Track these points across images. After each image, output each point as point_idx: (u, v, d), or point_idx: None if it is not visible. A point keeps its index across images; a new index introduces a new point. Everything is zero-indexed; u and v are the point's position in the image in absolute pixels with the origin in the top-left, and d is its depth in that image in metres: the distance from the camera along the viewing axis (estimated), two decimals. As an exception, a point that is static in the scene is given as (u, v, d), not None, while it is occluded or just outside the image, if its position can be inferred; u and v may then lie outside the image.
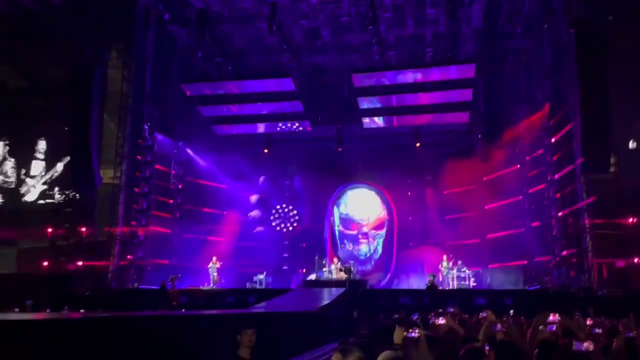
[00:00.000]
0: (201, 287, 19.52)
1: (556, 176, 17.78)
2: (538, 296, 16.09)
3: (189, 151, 22.72)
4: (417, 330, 4.25)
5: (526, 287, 18.15)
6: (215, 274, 20.38)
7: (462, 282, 19.34)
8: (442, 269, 19.82)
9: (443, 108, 20.72)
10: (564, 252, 17.12)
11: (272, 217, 25.01)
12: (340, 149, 22.87)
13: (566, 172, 17.07)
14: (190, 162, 22.94)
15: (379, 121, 22.26)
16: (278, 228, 24.90)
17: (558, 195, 17.63)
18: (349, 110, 21.62)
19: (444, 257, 20.06)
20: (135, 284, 18.90)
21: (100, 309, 13.96)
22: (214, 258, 20.65)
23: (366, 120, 21.77)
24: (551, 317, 4.92)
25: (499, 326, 4.98)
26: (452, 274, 19.48)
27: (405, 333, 4.38)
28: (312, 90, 22.08)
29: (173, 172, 22.21)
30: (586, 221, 15.88)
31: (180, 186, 22.36)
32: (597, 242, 15.66)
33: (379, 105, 21.05)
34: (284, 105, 21.41)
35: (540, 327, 4.85)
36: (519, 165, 20.37)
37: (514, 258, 19.67)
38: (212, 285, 20.10)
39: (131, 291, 18.17)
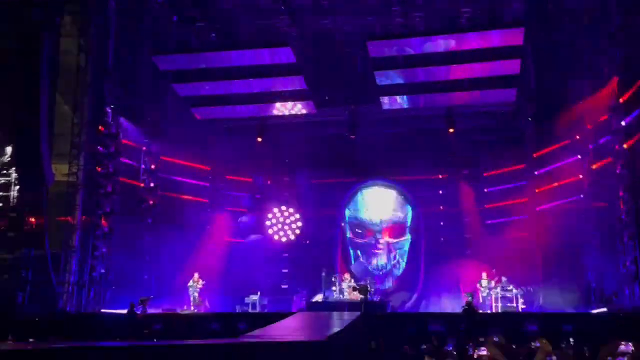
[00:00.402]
0: (179, 311, 19.48)
1: (627, 170, 17.54)
2: (605, 321, 15.91)
3: (163, 140, 22.68)
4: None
5: (589, 310, 17.98)
6: (197, 294, 20.35)
7: (508, 304, 19.28)
8: (482, 287, 19.75)
9: (483, 84, 20.51)
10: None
11: (268, 223, 24.96)
12: (353, 137, 22.77)
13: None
14: (165, 154, 22.91)
15: (401, 101, 22.10)
16: (276, 237, 24.87)
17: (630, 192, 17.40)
18: (364, 87, 21.47)
19: (484, 273, 19.96)
20: (96, 307, 18.87)
21: (52, 337, 13.91)
22: (196, 275, 20.61)
23: (385, 100, 21.62)
24: (622, 347, 4.81)
25: (554, 358, 4.88)
26: (495, 294, 19.39)
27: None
28: (317, 62, 21.93)
29: (143, 166, 22.18)
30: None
31: (152, 184, 22.32)
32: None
33: (401, 81, 20.88)
34: (281, 82, 21.29)
35: (609, 359, 4.74)
36: (579, 156, 20.17)
37: (573, 273, 19.50)
38: (192, 308, 20.07)
39: (91, 316, 18.14)
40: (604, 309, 17.27)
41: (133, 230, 21.34)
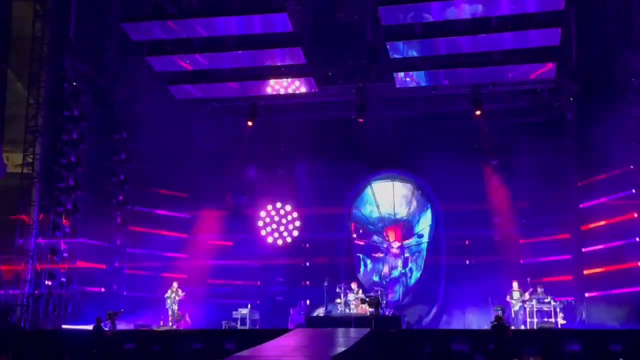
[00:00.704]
0: (155, 328, 19.47)
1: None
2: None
3: (136, 125, 22.63)
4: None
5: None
6: (176, 307, 20.33)
7: (545, 319, 19.25)
8: (513, 300, 19.72)
9: (516, 57, 20.42)
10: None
11: (260, 223, 24.93)
12: (361, 120, 22.70)
13: None
14: (138, 141, 22.86)
15: (418, 78, 22.02)
16: (270, 239, 24.83)
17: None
18: (374, 61, 21.43)
19: (515, 283, 19.91)
20: (56, 322, 18.82)
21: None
22: (174, 284, 20.58)
23: (400, 76, 21.54)
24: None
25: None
26: (530, 307, 19.37)
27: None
28: (318, 32, 21.85)
29: (112, 156, 22.15)
30: None
31: (122, 176, 22.29)
32: None
33: (418, 54, 20.80)
34: (276, 55, 21.22)
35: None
36: (633, 143, 20.08)
37: (621, 283, 19.46)
38: (171, 324, 20.05)
39: (50, 333, 18.02)
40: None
41: (100, 231, 21.31)
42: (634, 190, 19.59)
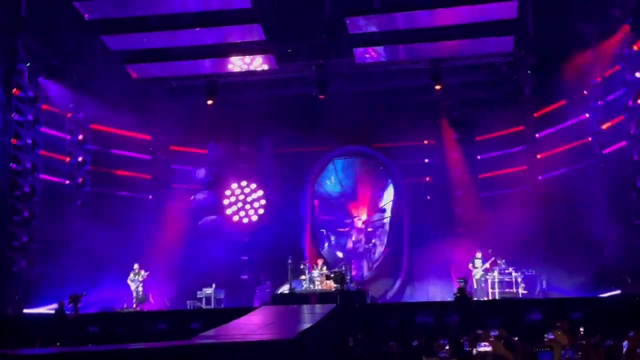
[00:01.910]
0: (119, 310, 19.34)
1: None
2: (618, 306, 16.23)
3: (93, 105, 22.28)
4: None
5: (601, 293, 18.33)
6: (141, 289, 20.22)
7: (507, 289, 19.53)
8: (475, 269, 19.92)
9: (475, 31, 20.46)
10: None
11: (226, 202, 24.80)
12: (322, 96, 22.63)
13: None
14: (96, 122, 22.50)
15: (378, 53, 21.99)
16: (236, 218, 24.74)
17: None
18: (334, 37, 21.27)
19: (478, 253, 20.15)
20: (17, 307, 18.53)
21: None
22: (136, 265, 20.44)
23: (359, 51, 21.48)
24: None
25: (570, 352, 4.87)
26: (492, 278, 19.64)
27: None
28: (277, 7, 21.62)
29: (69, 137, 21.80)
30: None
31: (80, 158, 21.98)
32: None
33: (377, 29, 20.75)
34: (235, 32, 20.98)
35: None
36: (587, 115, 20.39)
37: (581, 252, 19.83)
38: (135, 306, 19.93)
39: (11, 318, 17.84)
40: (618, 292, 17.58)
41: (59, 214, 21.01)
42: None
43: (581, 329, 11.36)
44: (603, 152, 19.82)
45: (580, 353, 4.91)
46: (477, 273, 20.06)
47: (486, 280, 19.92)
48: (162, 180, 24.01)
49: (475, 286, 19.96)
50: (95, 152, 22.41)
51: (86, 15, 20.12)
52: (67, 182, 21.66)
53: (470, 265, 20.18)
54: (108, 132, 22.84)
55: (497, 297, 19.33)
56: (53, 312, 16.86)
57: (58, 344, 14.82)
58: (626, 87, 18.64)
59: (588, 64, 19.98)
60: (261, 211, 24.82)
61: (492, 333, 10.77)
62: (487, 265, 19.95)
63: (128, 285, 20.28)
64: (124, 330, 17.11)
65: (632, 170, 18.30)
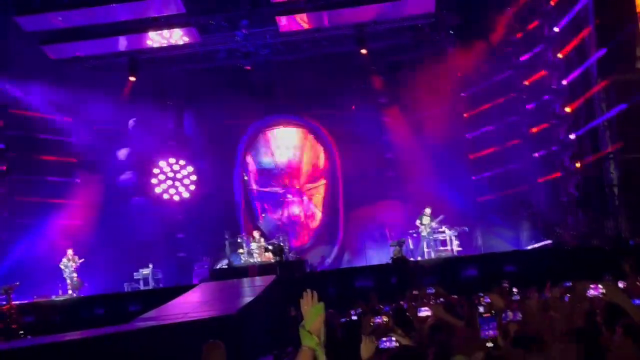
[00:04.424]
0: (54, 297, 18.91)
1: (564, 81, 18.22)
2: (550, 256, 16.73)
3: (10, 89, 21.47)
4: (393, 338, 4.06)
5: (532, 245, 18.86)
6: (75, 275, 19.73)
7: (441, 247, 19.76)
8: (423, 225, 19.78)
9: (396, -6, 20.53)
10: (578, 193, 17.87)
11: (154, 181, 24.37)
12: (248, 67, 22.38)
13: (578, 76, 17.49)
14: (15, 107, 21.73)
15: (302, 21, 21.81)
16: (166, 196, 24.37)
17: (569, 109, 18.09)
18: (257, 5, 20.99)
19: (427, 209, 19.86)
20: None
21: None
22: (69, 251, 19.93)
23: (283, 20, 21.26)
24: (592, 291, 4.92)
25: (510, 314, 4.93)
26: (428, 235, 19.71)
27: (375, 342, 4.18)
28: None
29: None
30: (609, 148, 16.49)
31: (3, 146, 21.26)
32: (625, 173, 16.33)
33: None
34: (153, 6, 20.47)
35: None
36: (511, 72, 20.77)
37: (512, 207, 20.32)
38: (70, 292, 19.50)
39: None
40: (549, 242, 18.14)
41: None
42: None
43: (509, 287, 11.24)
44: (526, 107, 20.29)
45: (520, 314, 4.97)
46: (424, 230, 19.76)
47: (435, 239, 19.67)
48: (87, 163, 23.36)
49: (422, 243, 19.78)
50: (15, 137, 21.67)
51: (-5, -4, 19.36)
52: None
53: (417, 222, 19.89)
54: (29, 117, 22.06)
55: (432, 256, 19.49)
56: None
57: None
58: (546, 41, 19.06)
59: (508, 22, 20.28)
60: (192, 187, 24.51)
61: (429, 291, 10.92)
62: (434, 224, 19.69)
63: (62, 272, 19.79)
64: (60, 317, 16.80)
65: (556, 122, 18.83)
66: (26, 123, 22.03)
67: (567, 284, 8.95)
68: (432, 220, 19.73)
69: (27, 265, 20.02)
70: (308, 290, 3.61)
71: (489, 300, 5.90)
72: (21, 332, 15.60)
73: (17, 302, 16.76)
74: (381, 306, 10.77)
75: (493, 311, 4.77)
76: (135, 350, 9.14)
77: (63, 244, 20.43)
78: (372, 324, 6.40)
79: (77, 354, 6.43)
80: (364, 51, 21.98)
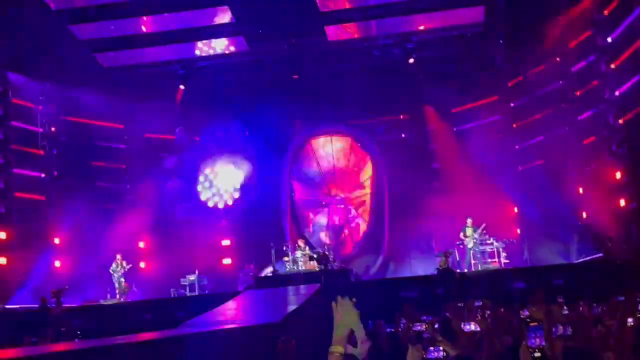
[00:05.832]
0: (102, 302, 19.23)
1: (617, 92, 17.93)
2: (600, 270, 16.43)
3: (63, 96, 21.98)
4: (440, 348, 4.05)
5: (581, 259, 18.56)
6: (123, 280, 20.08)
7: (489, 260, 19.61)
8: (466, 237, 19.70)
9: (445, 3, 20.45)
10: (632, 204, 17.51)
11: (199, 188, 24.62)
12: (296, 76, 22.48)
13: (632, 86, 17.16)
14: (67, 114, 22.23)
15: (351, 30, 21.90)
16: (211, 203, 24.58)
17: (622, 121, 17.79)
18: (305, 15, 21.09)
19: (469, 219, 19.81)
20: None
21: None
22: (118, 256, 20.28)
23: (331, 29, 21.37)
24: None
25: (560, 328, 4.86)
26: (493, 247, 19.53)
27: (422, 352, 4.18)
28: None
29: (41, 130, 21.56)
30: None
31: (54, 151, 21.80)
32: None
33: (348, 5, 20.63)
34: (203, 15, 20.76)
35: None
36: (561, 81, 20.50)
37: (561, 218, 20.02)
38: (118, 297, 19.82)
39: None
40: (600, 255, 17.82)
41: (34, 208, 20.87)
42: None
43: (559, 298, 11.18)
44: (578, 118, 19.98)
45: (570, 328, 4.90)
46: (469, 241, 19.68)
47: (477, 248, 19.55)
48: (138, 169, 23.75)
49: (468, 255, 19.61)
50: (67, 144, 22.15)
51: (52, 5, 19.87)
52: (43, 175, 21.44)
53: (461, 234, 19.82)
54: (81, 123, 22.57)
55: (478, 268, 19.32)
56: (36, 307, 16.78)
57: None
58: (599, 51, 18.76)
59: (560, 31, 20.03)
60: (236, 195, 24.61)
61: (476, 303, 10.77)
62: (478, 234, 19.63)
63: (111, 276, 20.13)
64: (109, 322, 17.03)
65: (608, 134, 18.49)
66: (78, 129, 22.53)
67: (619, 299, 8.78)
68: (474, 231, 19.55)
69: (75, 268, 20.48)
70: (338, 297, 3.60)
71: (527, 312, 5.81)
72: (78, 332, 15.90)
73: (66, 305, 17.15)
74: (423, 317, 10.67)
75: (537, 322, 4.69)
76: (181, 356, 9.23)
77: (113, 249, 20.75)
78: (410, 332, 6.37)
79: (125, 355, 6.53)
80: (411, 60, 21.94)
